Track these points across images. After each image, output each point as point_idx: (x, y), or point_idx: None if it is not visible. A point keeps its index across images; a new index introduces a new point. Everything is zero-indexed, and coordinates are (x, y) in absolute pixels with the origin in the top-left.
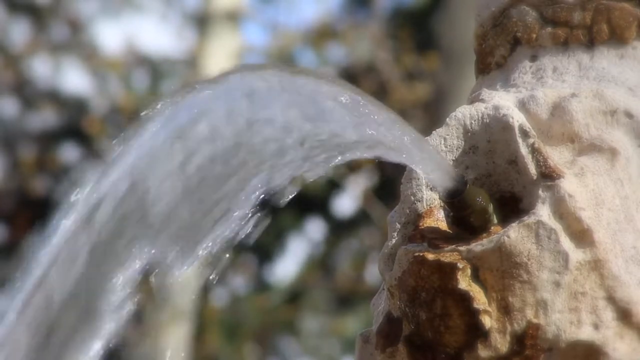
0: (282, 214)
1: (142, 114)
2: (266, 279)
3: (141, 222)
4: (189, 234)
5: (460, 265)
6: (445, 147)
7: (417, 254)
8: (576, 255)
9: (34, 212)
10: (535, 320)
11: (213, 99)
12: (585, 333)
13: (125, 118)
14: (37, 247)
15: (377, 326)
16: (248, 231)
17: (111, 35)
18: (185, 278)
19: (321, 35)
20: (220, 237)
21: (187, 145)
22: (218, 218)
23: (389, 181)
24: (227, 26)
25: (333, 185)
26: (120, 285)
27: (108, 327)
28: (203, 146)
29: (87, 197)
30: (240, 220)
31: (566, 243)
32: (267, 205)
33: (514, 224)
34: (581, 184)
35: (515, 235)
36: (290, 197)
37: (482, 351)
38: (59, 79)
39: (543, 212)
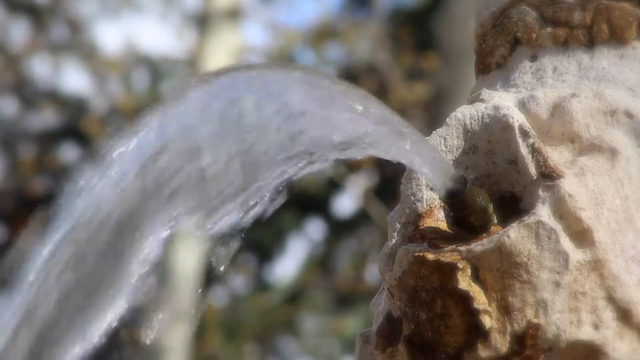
0: (282, 214)
1: (143, 113)
2: (266, 279)
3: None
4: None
5: (460, 265)
6: (445, 147)
7: (417, 254)
8: (576, 255)
9: (34, 212)
10: (535, 320)
11: (209, 98)
12: (585, 333)
13: (125, 118)
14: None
15: (377, 326)
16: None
17: (111, 35)
18: (185, 278)
19: (321, 35)
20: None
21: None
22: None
23: (389, 181)
24: (227, 26)
25: (333, 185)
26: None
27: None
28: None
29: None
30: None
31: (566, 243)
32: (265, 204)
33: (514, 224)
34: (581, 184)
35: (515, 235)
36: (284, 198)
37: (482, 351)
38: (58, 79)
39: (543, 212)
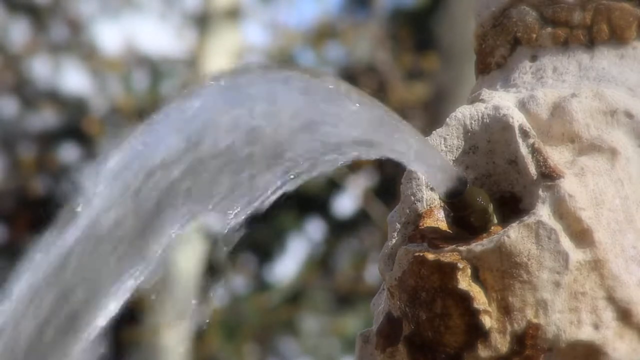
0: (282, 214)
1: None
2: (266, 279)
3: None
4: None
5: (460, 265)
6: (445, 147)
7: (417, 254)
8: (576, 255)
9: (34, 212)
10: (535, 320)
11: (215, 102)
12: (585, 333)
13: (125, 118)
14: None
15: (377, 326)
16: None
17: (111, 35)
18: (185, 277)
19: (321, 35)
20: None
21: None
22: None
23: (389, 181)
24: (227, 26)
25: (333, 185)
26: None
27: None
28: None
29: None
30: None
31: (566, 243)
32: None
33: (514, 224)
34: (581, 184)
35: (515, 235)
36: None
37: (482, 351)
38: (58, 79)
39: (543, 212)
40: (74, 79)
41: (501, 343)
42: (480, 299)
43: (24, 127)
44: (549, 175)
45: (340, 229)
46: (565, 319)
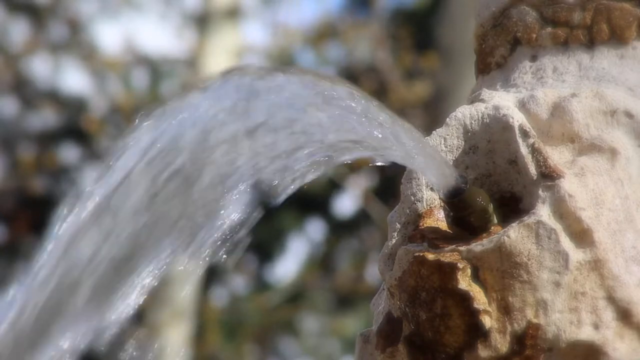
0: (282, 214)
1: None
2: (266, 279)
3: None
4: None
5: (460, 265)
6: (445, 147)
7: (417, 254)
8: (576, 255)
9: (34, 212)
10: (535, 320)
11: (209, 102)
12: (585, 333)
13: (125, 118)
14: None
15: (377, 326)
16: (244, 230)
17: (111, 35)
18: (184, 277)
19: (321, 35)
20: (215, 233)
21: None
22: (214, 216)
23: (389, 181)
24: (227, 26)
25: (333, 185)
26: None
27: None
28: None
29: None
30: (234, 220)
31: (566, 243)
32: (265, 205)
33: (514, 224)
34: (581, 184)
35: (515, 235)
36: (288, 196)
37: (482, 351)
38: (58, 78)
39: (543, 212)
40: (74, 79)
41: (501, 343)
42: (480, 299)
43: (24, 127)
44: (549, 175)
45: (340, 229)
46: (565, 319)
